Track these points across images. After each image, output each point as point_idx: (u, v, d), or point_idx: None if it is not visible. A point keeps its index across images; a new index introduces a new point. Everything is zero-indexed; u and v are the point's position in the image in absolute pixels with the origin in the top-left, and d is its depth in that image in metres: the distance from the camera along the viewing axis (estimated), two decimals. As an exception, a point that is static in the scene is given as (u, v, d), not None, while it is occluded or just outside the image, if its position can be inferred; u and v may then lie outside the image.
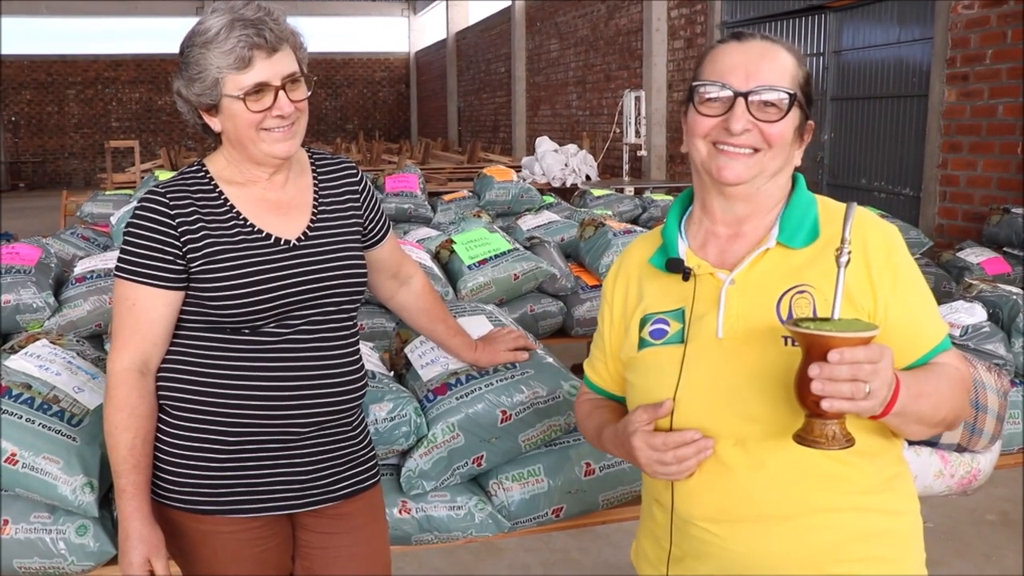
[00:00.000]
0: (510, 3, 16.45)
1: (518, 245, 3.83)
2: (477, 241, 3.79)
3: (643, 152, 10.38)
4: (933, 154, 6.42)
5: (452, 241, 3.82)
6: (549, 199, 5.81)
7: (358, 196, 1.77)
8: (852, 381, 1.06)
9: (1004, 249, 4.77)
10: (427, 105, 24.16)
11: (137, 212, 1.61)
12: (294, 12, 18.46)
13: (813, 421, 1.10)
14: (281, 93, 1.55)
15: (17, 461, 1.89)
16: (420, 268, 2.03)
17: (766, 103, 1.27)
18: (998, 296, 2.96)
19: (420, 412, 2.09)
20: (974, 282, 3.19)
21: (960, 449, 2.40)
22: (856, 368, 1.05)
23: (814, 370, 1.06)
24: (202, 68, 1.55)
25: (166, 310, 1.59)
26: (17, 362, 2.07)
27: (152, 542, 1.54)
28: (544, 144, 9.85)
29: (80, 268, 3.49)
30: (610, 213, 5.45)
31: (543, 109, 15.47)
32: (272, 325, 1.61)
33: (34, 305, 3.24)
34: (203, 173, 1.65)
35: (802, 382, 1.09)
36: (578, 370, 1.72)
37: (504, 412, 2.09)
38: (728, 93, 1.28)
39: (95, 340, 3.22)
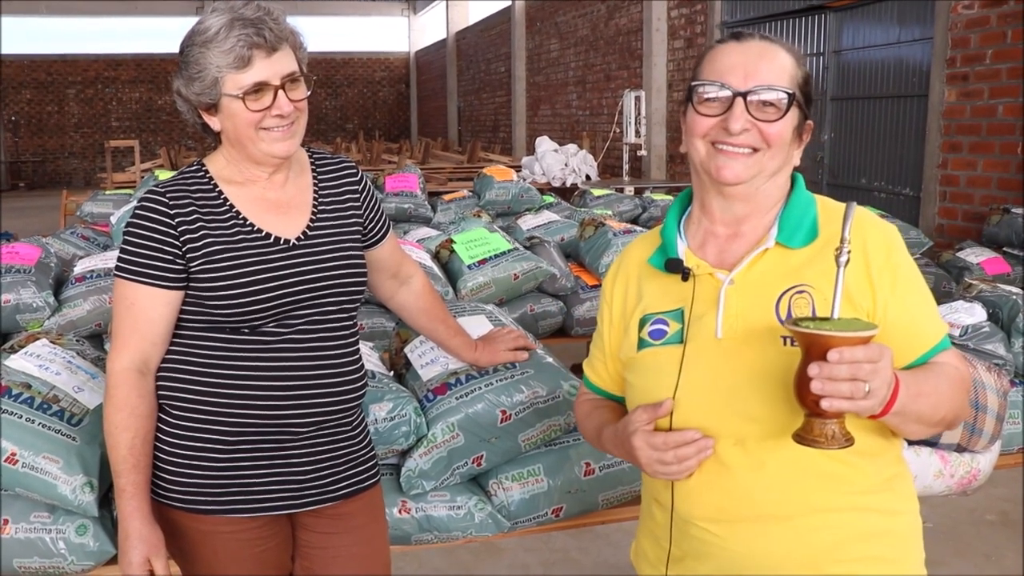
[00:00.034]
0: (510, 3, 16.45)
1: (518, 245, 3.83)
2: (477, 241, 3.79)
3: (643, 152, 10.38)
4: (933, 154, 6.42)
5: (452, 241, 3.82)
6: (549, 199, 5.81)
7: (358, 196, 1.77)
8: (852, 380, 1.06)
9: (1004, 249, 4.78)
10: (427, 105, 24.16)
11: (137, 212, 1.61)
12: (294, 12, 18.48)
13: (813, 420, 1.10)
14: (280, 92, 1.55)
15: (17, 461, 1.89)
16: (420, 268, 2.03)
17: (765, 103, 1.27)
18: (998, 296, 2.96)
19: (420, 412, 2.09)
20: (974, 282, 3.19)
21: (960, 449, 2.40)
22: (855, 367, 1.06)
23: (813, 369, 1.06)
24: (202, 67, 1.55)
25: (166, 310, 1.59)
26: (17, 362, 2.07)
27: (152, 542, 1.54)
28: (544, 144, 9.85)
29: (80, 268, 3.49)
30: (610, 213, 5.45)
31: (543, 109, 15.47)
32: (271, 325, 1.61)
33: (34, 304, 3.24)
34: (203, 173, 1.65)
35: (801, 381, 1.09)
36: (578, 370, 1.73)
37: (504, 412, 2.09)
38: (727, 93, 1.28)
39: (95, 340, 3.22)
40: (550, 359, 2.27)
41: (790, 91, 1.28)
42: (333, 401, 1.66)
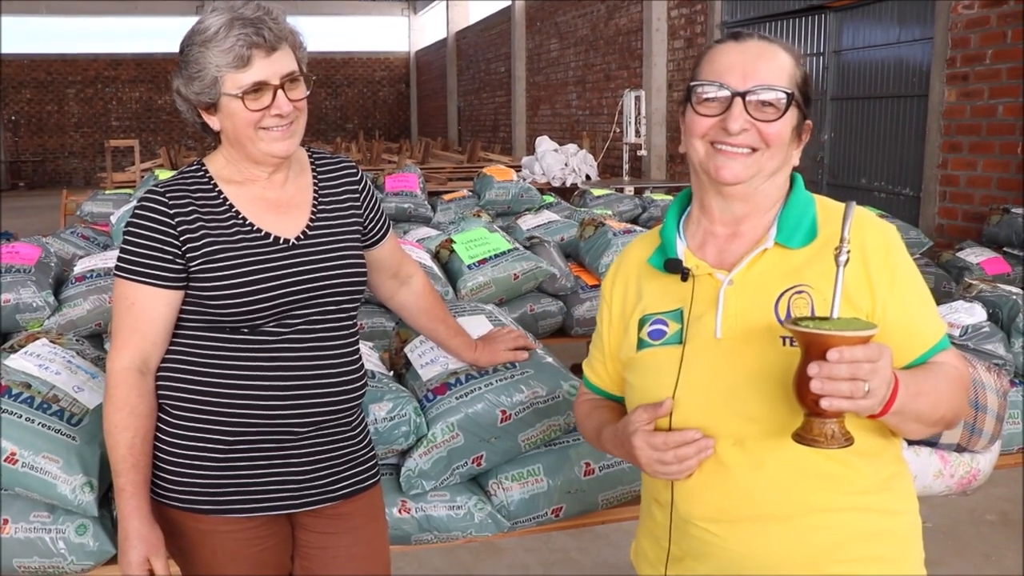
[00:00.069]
0: (510, 3, 16.45)
1: (518, 245, 3.83)
2: (477, 241, 3.79)
3: (643, 152, 10.38)
4: (933, 154, 6.42)
5: (452, 241, 3.82)
6: (549, 199, 5.81)
7: (358, 195, 1.76)
8: (851, 380, 1.06)
9: (1004, 249, 4.78)
10: (427, 105, 24.16)
11: (136, 212, 1.61)
12: (294, 12, 18.49)
13: (812, 420, 1.10)
14: (280, 92, 1.55)
15: (17, 460, 1.89)
16: (420, 268, 2.03)
17: (764, 103, 1.27)
18: (998, 296, 2.96)
19: (420, 412, 2.09)
20: (974, 282, 3.19)
21: (960, 449, 2.40)
22: (855, 367, 1.06)
23: (813, 369, 1.06)
24: (201, 67, 1.55)
25: (165, 309, 1.59)
26: (17, 361, 2.07)
27: (151, 541, 1.54)
28: (544, 144, 9.85)
29: (80, 267, 3.49)
30: (610, 213, 5.45)
31: (543, 109, 15.47)
32: (271, 324, 1.61)
33: (34, 304, 3.24)
34: (202, 172, 1.65)
35: (801, 381, 1.09)
36: (578, 370, 1.72)
37: (504, 412, 2.09)
38: (726, 93, 1.28)
39: (95, 339, 3.22)
40: (550, 359, 2.27)
41: (789, 91, 1.28)
42: (333, 401, 1.66)
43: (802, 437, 1.12)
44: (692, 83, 1.32)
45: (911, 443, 2.37)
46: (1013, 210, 4.95)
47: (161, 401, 1.63)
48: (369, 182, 1.82)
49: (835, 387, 1.06)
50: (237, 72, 1.53)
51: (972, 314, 2.82)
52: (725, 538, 1.29)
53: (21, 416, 1.93)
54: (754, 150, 1.29)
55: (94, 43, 23.47)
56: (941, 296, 3.86)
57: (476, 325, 2.25)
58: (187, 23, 1.65)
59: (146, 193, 1.63)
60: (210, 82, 1.55)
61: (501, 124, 17.83)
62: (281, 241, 1.63)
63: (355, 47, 25.16)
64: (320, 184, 1.72)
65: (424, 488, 2.08)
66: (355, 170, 1.79)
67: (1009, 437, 2.65)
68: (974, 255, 4.52)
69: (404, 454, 2.11)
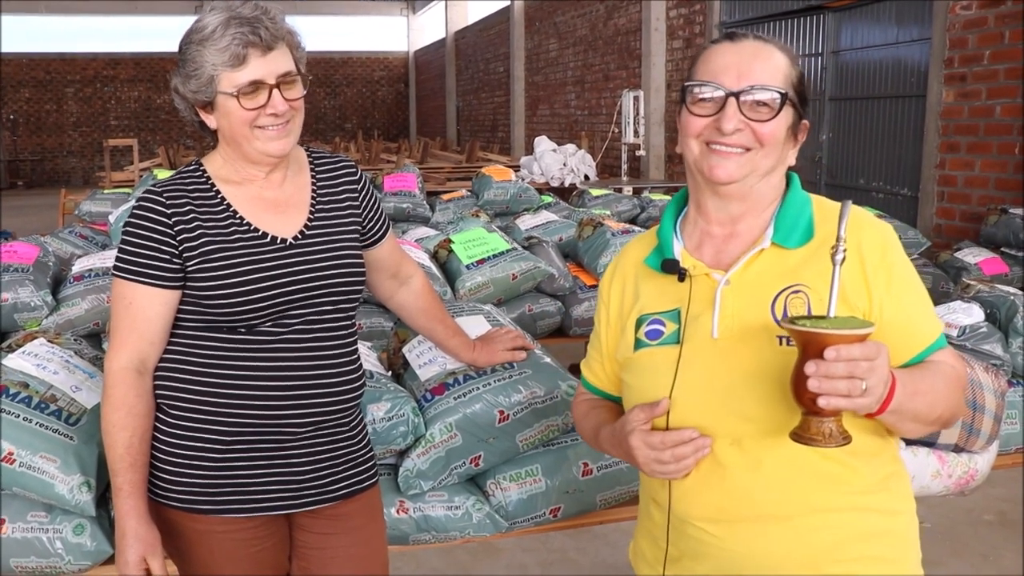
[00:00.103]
0: (509, 3, 16.45)
1: (516, 245, 3.83)
2: (475, 241, 3.79)
3: (641, 152, 10.38)
4: (931, 154, 6.43)
5: (450, 241, 3.82)
6: (547, 199, 5.81)
7: (357, 195, 1.76)
8: (848, 378, 1.06)
9: (1002, 249, 4.78)
10: (426, 104, 24.16)
11: (134, 212, 1.61)
12: (293, 11, 18.48)
13: (810, 419, 1.11)
14: (275, 91, 1.56)
15: (14, 460, 1.89)
16: (420, 268, 2.03)
17: (758, 103, 1.27)
18: (996, 296, 2.97)
19: (418, 412, 2.09)
20: (972, 282, 3.20)
21: (957, 449, 2.40)
22: (852, 365, 1.06)
23: (810, 367, 1.06)
24: (198, 65, 1.55)
25: (163, 309, 1.60)
26: (15, 361, 2.07)
27: (148, 541, 1.54)
28: (543, 144, 9.84)
29: (78, 267, 3.49)
30: (608, 213, 5.45)
31: (542, 109, 15.47)
32: (268, 324, 1.61)
33: (32, 304, 3.24)
34: (200, 172, 1.65)
35: (799, 380, 1.09)
36: (576, 370, 1.73)
37: (502, 412, 2.09)
38: (720, 93, 1.28)
39: (93, 339, 3.22)
40: (548, 359, 2.27)
41: (783, 91, 1.28)
42: (331, 401, 1.66)
43: (800, 436, 1.12)
44: (687, 83, 1.32)
45: (909, 443, 2.37)
46: (1011, 210, 4.95)
47: (159, 401, 1.63)
48: (368, 182, 1.82)
49: (832, 385, 1.06)
50: (233, 71, 1.53)
51: (970, 314, 2.82)
52: (723, 538, 1.29)
53: (19, 415, 1.93)
54: (748, 149, 1.29)
55: (93, 42, 23.46)
56: (939, 296, 3.86)
57: (474, 325, 2.25)
58: (186, 22, 1.65)
59: (144, 193, 1.63)
60: (206, 80, 1.55)
61: (500, 124, 17.83)
62: (278, 241, 1.63)
63: (354, 47, 25.15)
64: (318, 184, 1.72)
65: (422, 488, 2.08)
66: (354, 170, 1.79)
67: (1007, 437, 2.66)
68: (972, 255, 4.53)
69: (402, 454, 2.11)
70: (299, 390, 1.62)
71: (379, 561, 1.80)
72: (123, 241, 1.60)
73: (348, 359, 1.69)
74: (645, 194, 6.70)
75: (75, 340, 2.31)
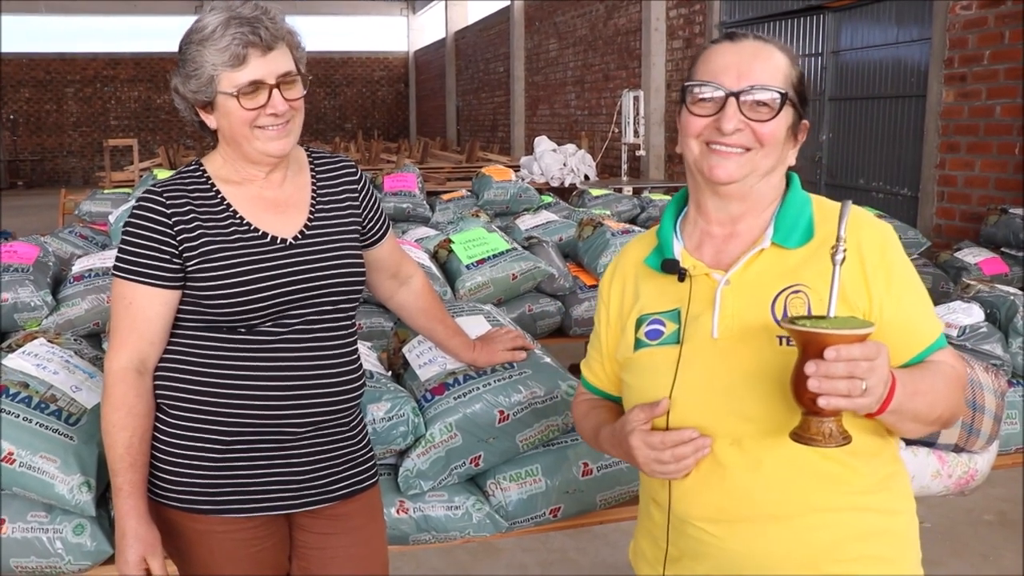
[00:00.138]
0: (509, 3, 16.45)
1: (516, 245, 3.83)
2: (475, 241, 3.79)
3: (641, 152, 10.39)
4: (931, 154, 6.43)
5: (450, 241, 3.82)
6: (547, 199, 5.81)
7: (357, 195, 1.76)
8: (848, 378, 1.06)
9: (1002, 249, 4.78)
10: (426, 104, 24.16)
11: (134, 212, 1.61)
12: (292, 11, 18.47)
13: (810, 419, 1.11)
14: (275, 91, 1.56)
15: (14, 460, 1.89)
16: (420, 268, 2.03)
17: (758, 103, 1.27)
18: (996, 296, 2.97)
19: (418, 412, 2.09)
20: (972, 282, 3.20)
21: (957, 449, 2.40)
22: (852, 365, 1.06)
23: (810, 367, 1.06)
24: (198, 65, 1.55)
25: (163, 309, 1.60)
26: (15, 361, 2.07)
27: (148, 541, 1.54)
28: (543, 144, 9.84)
29: (78, 267, 3.49)
30: (608, 213, 5.45)
31: (542, 109, 15.47)
32: (268, 324, 1.61)
33: (32, 304, 3.24)
34: (200, 172, 1.65)
35: (799, 380, 1.09)
36: (576, 370, 1.73)
37: (502, 412, 2.09)
38: (720, 93, 1.28)
39: (93, 339, 3.22)
40: (548, 359, 2.27)
41: (783, 91, 1.28)
42: (331, 401, 1.66)
43: (800, 436, 1.12)
44: (687, 83, 1.32)
45: (909, 443, 2.37)
46: (1011, 210, 4.95)
47: (159, 401, 1.63)
48: (368, 182, 1.81)
49: (832, 385, 1.06)
50: (233, 71, 1.54)
51: (970, 314, 2.82)
52: (722, 538, 1.29)
53: (19, 416, 1.93)
54: (748, 149, 1.29)
55: (93, 42, 23.46)
56: (939, 296, 3.86)
57: (474, 325, 2.25)
58: (186, 22, 1.65)
59: (144, 193, 1.63)
60: (206, 80, 1.56)
61: (500, 124, 17.83)
62: (278, 241, 1.63)
63: (354, 47, 25.16)
64: (318, 184, 1.72)
65: (422, 488, 2.08)
66: (354, 170, 1.79)
67: (1007, 437, 2.66)
68: (972, 255, 4.53)
69: (402, 454, 2.11)
70: (299, 390, 1.62)
71: (379, 561, 1.80)
72: (123, 241, 1.61)
73: (348, 359, 1.69)
74: (645, 194, 6.70)
75: (75, 340, 2.31)
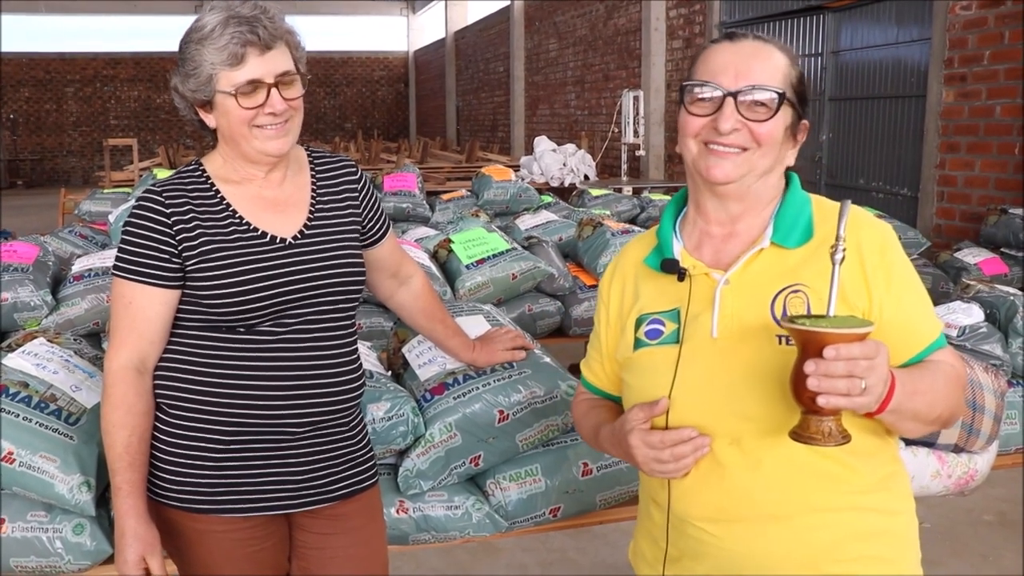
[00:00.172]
0: (509, 3, 16.45)
1: (516, 245, 3.83)
2: (475, 240, 3.79)
3: (641, 152, 10.39)
4: (931, 154, 6.43)
5: (450, 240, 3.82)
6: (547, 199, 5.81)
7: (357, 195, 1.76)
8: (848, 377, 1.06)
9: (1001, 250, 4.78)
10: (426, 104, 24.16)
11: (134, 212, 1.61)
12: (292, 11, 18.47)
13: (809, 418, 1.11)
14: (274, 90, 1.56)
15: (14, 460, 1.89)
16: (420, 268, 2.03)
17: (756, 103, 1.27)
18: (995, 297, 2.97)
19: (417, 412, 2.09)
20: (971, 283, 3.20)
21: (957, 449, 2.40)
22: (852, 364, 1.06)
23: (810, 366, 1.06)
24: (197, 64, 1.55)
25: (163, 308, 1.60)
26: (14, 360, 2.07)
27: (147, 540, 1.54)
28: (542, 144, 9.84)
29: (78, 266, 3.49)
30: (608, 213, 5.45)
31: (541, 109, 15.47)
32: (267, 324, 1.61)
33: (32, 303, 3.24)
34: (200, 172, 1.65)
35: (798, 378, 1.09)
36: (576, 370, 1.73)
37: (501, 412, 2.09)
38: (718, 93, 1.28)
39: (93, 338, 3.22)
40: (548, 359, 2.27)
41: (780, 91, 1.28)
42: (330, 401, 1.66)
43: (799, 435, 1.12)
44: (685, 83, 1.32)
45: (909, 443, 2.37)
46: (1011, 210, 4.95)
47: (159, 400, 1.63)
48: (368, 181, 1.81)
49: (832, 384, 1.06)
50: (231, 70, 1.54)
51: (970, 315, 2.82)
52: (722, 538, 1.29)
53: (19, 415, 1.93)
54: (745, 149, 1.29)
55: (93, 42, 23.47)
56: (939, 296, 3.86)
57: (474, 325, 2.25)
58: (185, 22, 1.65)
59: (143, 193, 1.63)
60: (205, 79, 1.56)
61: (500, 124, 17.83)
62: (277, 240, 1.63)
63: (354, 47, 25.16)
64: (318, 183, 1.72)
65: (422, 488, 2.08)
66: (354, 169, 1.79)
67: (1006, 437, 2.66)
68: (972, 255, 4.53)
69: (402, 454, 2.11)
70: (298, 390, 1.62)
71: (379, 561, 1.80)
72: (123, 241, 1.61)
73: (347, 359, 1.69)
74: (645, 194, 6.70)
75: (75, 340, 2.31)
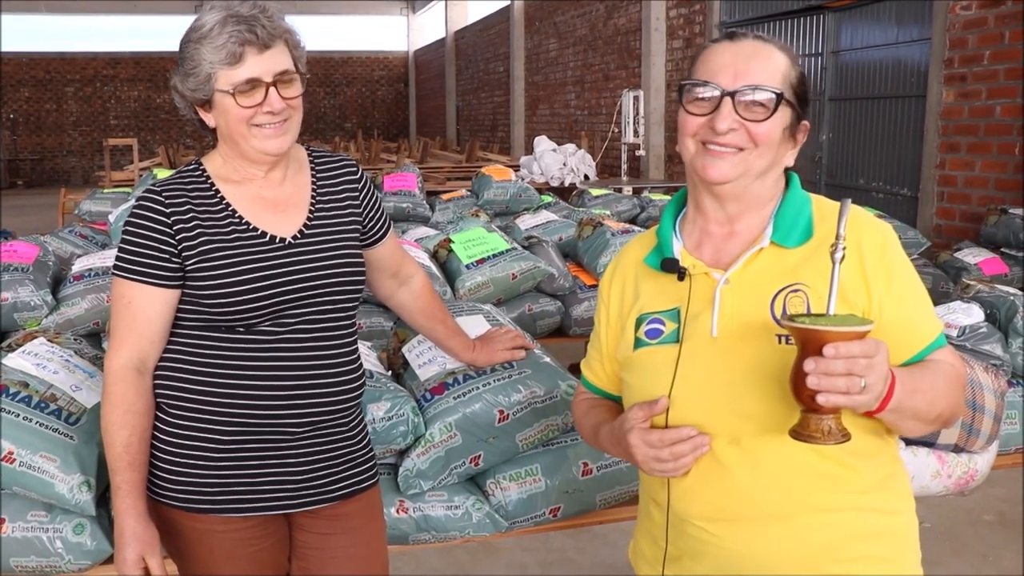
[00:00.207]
0: (509, 2, 16.45)
1: (516, 244, 3.83)
2: (475, 240, 3.79)
3: (641, 152, 10.39)
4: (931, 154, 6.43)
5: (450, 240, 3.82)
6: (547, 198, 5.82)
7: (357, 195, 1.76)
8: (847, 375, 1.06)
9: (1001, 250, 4.78)
10: (425, 104, 24.16)
11: (134, 212, 1.61)
12: (292, 10, 18.45)
13: (809, 416, 1.11)
14: (272, 90, 1.56)
15: (14, 459, 1.89)
16: (421, 268, 2.03)
17: (754, 102, 1.27)
18: (995, 297, 2.97)
19: (417, 411, 2.09)
20: (971, 283, 3.20)
21: (957, 449, 2.40)
22: (851, 362, 1.06)
23: (809, 365, 1.06)
24: (196, 63, 1.55)
25: (163, 308, 1.60)
26: (15, 360, 2.07)
27: (146, 540, 1.54)
28: (542, 143, 9.84)
29: (78, 266, 3.49)
30: (608, 213, 5.45)
31: (541, 108, 15.47)
32: (267, 324, 1.61)
33: (32, 303, 3.24)
34: (200, 172, 1.65)
35: (798, 377, 1.09)
36: (576, 370, 1.73)
37: (501, 412, 2.09)
38: (716, 92, 1.28)
39: (93, 338, 3.22)
40: (548, 359, 2.27)
41: (778, 91, 1.27)
42: (330, 401, 1.66)
43: (799, 433, 1.12)
44: (684, 82, 1.32)
45: (909, 443, 2.37)
46: (1011, 210, 4.95)
47: (159, 400, 1.63)
48: (369, 181, 1.81)
49: (831, 383, 1.06)
50: (230, 69, 1.54)
51: (970, 315, 2.82)
52: (722, 537, 1.29)
53: (19, 415, 1.93)
54: (741, 149, 1.28)
55: (93, 42, 23.48)
56: (939, 296, 3.87)
57: (474, 325, 2.25)
58: (185, 22, 1.65)
59: (143, 193, 1.63)
60: (204, 78, 1.56)
61: (499, 124, 17.83)
62: (277, 240, 1.62)
63: (354, 46, 25.16)
64: (318, 183, 1.72)
65: (422, 488, 2.08)
66: (355, 169, 1.79)
67: (1006, 437, 2.66)
68: (972, 255, 4.53)
69: (402, 454, 2.11)
70: (298, 390, 1.62)
71: (379, 561, 1.80)
72: (123, 241, 1.61)
73: (347, 359, 1.69)
74: (645, 194, 6.70)
75: (75, 339, 2.31)
